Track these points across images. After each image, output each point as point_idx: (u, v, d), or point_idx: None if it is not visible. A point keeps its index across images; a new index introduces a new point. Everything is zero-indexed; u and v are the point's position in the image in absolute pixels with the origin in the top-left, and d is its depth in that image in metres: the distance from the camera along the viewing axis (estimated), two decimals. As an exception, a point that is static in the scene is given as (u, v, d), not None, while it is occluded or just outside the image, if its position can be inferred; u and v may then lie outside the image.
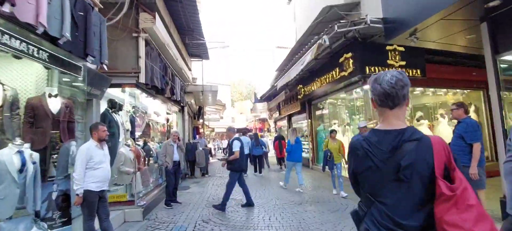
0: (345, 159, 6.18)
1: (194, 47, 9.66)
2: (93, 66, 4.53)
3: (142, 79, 5.19)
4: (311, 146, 10.79)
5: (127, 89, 5.89)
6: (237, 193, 6.78)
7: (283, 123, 17.17)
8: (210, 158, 15.84)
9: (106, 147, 3.55)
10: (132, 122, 6.41)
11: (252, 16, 78.90)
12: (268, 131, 32.49)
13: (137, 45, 5.23)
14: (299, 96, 10.51)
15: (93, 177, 3.27)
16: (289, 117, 14.26)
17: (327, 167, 6.35)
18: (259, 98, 15.01)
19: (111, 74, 4.92)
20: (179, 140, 6.32)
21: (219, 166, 13.20)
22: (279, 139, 14.20)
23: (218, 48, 16.66)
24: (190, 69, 10.57)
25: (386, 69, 6.50)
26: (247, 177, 10.46)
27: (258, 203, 5.77)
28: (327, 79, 7.97)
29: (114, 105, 5.49)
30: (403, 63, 6.54)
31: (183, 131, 10.09)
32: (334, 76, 7.38)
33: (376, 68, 6.26)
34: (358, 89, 7.38)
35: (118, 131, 5.47)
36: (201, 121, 16.24)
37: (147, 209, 5.25)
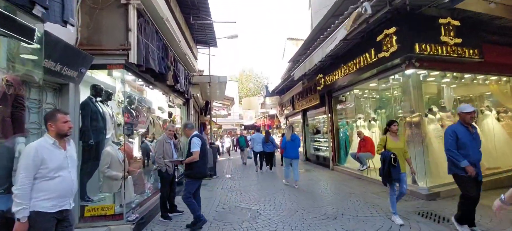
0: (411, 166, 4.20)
1: (200, 31, 8.52)
2: (70, 40, 3.44)
3: (133, 58, 4.06)
4: (331, 144, 9.54)
5: (117, 74, 4.79)
6: (253, 201, 5.64)
7: (297, 119, 15.92)
8: (218, 157, 14.78)
9: (72, 146, 2.43)
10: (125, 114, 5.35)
11: (261, 7, 77.17)
12: (278, 127, 31.34)
13: (126, 16, 4.10)
14: (318, 88, 9.26)
15: (47, 190, 2.16)
16: (304, 112, 13.01)
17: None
18: (270, 91, 13.81)
19: (93, 52, 3.81)
20: (175, 138, 5.19)
21: (228, 165, 12.09)
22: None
23: (226, 39, 15.50)
24: (196, 58, 9.45)
25: (439, 48, 5.24)
26: (262, 173, 9.36)
27: (280, 217, 4.59)
28: (357, 65, 6.71)
29: (99, 93, 4.40)
30: (459, 40, 5.24)
31: (188, 126, 9.00)
32: (367, 59, 6.11)
33: (428, 46, 4.98)
34: (397, 75, 6.10)
35: (104, 125, 4.38)
36: (208, 116, 15.16)
37: (141, 224, 4.15)
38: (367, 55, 6.08)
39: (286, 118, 19.08)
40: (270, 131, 18.98)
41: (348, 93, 8.81)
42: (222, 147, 20.47)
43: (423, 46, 4.92)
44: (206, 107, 14.71)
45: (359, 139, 7.67)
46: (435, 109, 6.53)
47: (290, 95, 12.18)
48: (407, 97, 6.20)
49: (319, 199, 5.60)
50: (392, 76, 6.28)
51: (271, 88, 13.84)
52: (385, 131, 4.23)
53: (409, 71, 5.69)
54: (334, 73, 8.09)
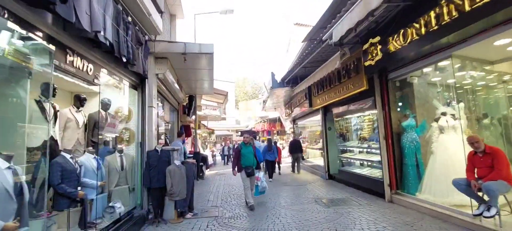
0: None
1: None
2: None
3: None
4: (386, 158, 5.71)
5: None
6: None
7: (311, 121, 12.10)
8: (206, 171, 10.84)
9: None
10: None
11: None
12: (279, 133, 27.43)
13: None
14: (370, 62, 5.41)
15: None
16: (326, 110, 9.20)
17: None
18: (278, 81, 10.03)
19: None
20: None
21: (217, 187, 7.76)
22: (294, 145, 11.11)
23: (218, 14, 11.76)
24: (160, 11, 5.58)
25: None
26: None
27: None
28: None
29: None
30: None
31: (141, 127, 5.07)
32: None
33: None
34: None
35: None
36: (192, 117, 11.26)
37: None
38: None
39: (294, 120, 15.27)
40: (271, 138, 15.17)
41: (428, 69, 5.01)
42: (214, 157, 16.48)
43: None
44: (190, 104, 10.83)
45: (474, 152, 3.82)
46: None
47: (307, 84, 8.30)
48: None
49: None
50: None
51: (280, 75, 10.00)
52: None
53: None
54: (410, 27, 4.30)
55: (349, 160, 8.04)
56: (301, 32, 17.69)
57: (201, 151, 12.59)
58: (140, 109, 5.05)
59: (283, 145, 20.68)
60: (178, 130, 9.75)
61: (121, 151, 4.62)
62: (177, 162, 4.96)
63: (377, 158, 6.31)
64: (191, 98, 10.84)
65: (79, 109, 4.21)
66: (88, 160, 3.95)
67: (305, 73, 8.98)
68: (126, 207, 4.45)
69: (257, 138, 19.93)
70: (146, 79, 5.12)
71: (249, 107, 35.91)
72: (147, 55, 5.01)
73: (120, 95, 4.64)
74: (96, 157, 4.13)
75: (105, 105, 4.61)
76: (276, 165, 10.45)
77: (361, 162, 7.42)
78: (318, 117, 10.47)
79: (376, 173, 6.46)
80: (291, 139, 15.93)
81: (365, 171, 6.99)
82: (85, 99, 4.24)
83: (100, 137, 4.78)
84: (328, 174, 9.06)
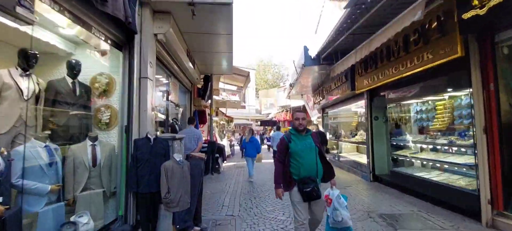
0: None
1: None
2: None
3: None
4: (485, 162, 3.81)
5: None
6: None
7: (348, 109, 10.15)
8: (222, 164, 9.38)
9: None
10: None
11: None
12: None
13: None
14: (469, 14, 3.45)
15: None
16: (372, 94, 7.28)
17: None
18: (312, 56, 8.11)
19: None
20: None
21: (234, 186, 5.90)
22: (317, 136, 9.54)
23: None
24: None
25: None
26: None
27: None
28: None
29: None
30: None
31: (127, 104, 3.53)
32: None
33: None
34: None
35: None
36: (208, 101, 9.74)
37: None
38: None
39: (323, 109, 13.32)
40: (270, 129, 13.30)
41: None
42: (232, 147, 15.00)
43: None
44: (205, 85, 9.30)
45: None
46: None
47: (360, 54, 6.16)
48: None
49: None
50: None
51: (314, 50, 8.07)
52: None
53: None
54: None
55: (404, 158, 6.11)
56: (334, 7, 15.45)
57: (218, 141, 11.13)
58: (126, 79, 3.50)
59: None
60: (192, 116, 8.29)
61: (94, 139, 3.12)
62: (178, 157, 3.40)
63: (464, 159, 4.40)
64: (207, 79, 9.29)
65: (27, 73, 2.74)
66: (32, 151, 2.48)
67: (347, 47, 7.05)
68: (99, 222, 2.98)
69: (280, 128, 18.20)
70: (137, 36, 3.55)
71: (270, 95, 34.12)
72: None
73: (93, 55, 3.12)
74: (48, 145, 2.65)
75: (72, 69, 3.12)
76: None
77: (424, 162, 5.51)
78: (358, 104, 8.63)
79: (458, 181, 4.55)
80: (314, 129, 14.16)
81: (436, 176, 5.08)
82: (36, 57, 2.75)
83: (105, 117, 3.38)
84: (372, 175, 7.21)
